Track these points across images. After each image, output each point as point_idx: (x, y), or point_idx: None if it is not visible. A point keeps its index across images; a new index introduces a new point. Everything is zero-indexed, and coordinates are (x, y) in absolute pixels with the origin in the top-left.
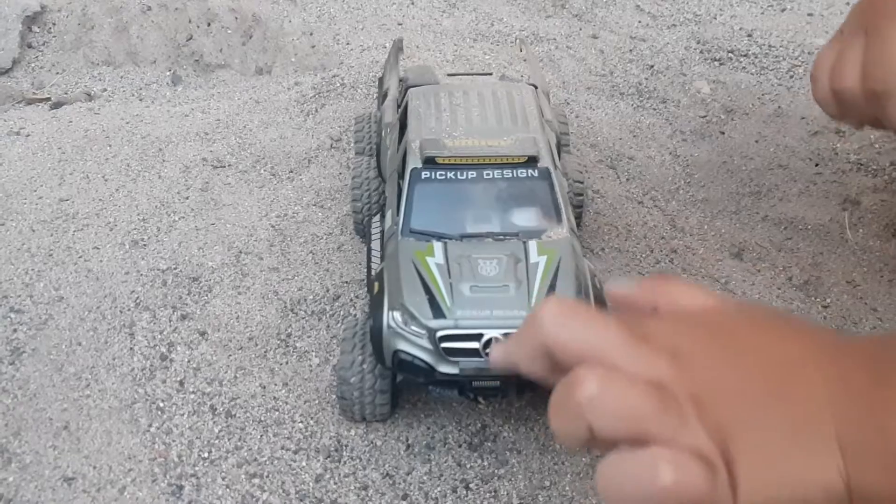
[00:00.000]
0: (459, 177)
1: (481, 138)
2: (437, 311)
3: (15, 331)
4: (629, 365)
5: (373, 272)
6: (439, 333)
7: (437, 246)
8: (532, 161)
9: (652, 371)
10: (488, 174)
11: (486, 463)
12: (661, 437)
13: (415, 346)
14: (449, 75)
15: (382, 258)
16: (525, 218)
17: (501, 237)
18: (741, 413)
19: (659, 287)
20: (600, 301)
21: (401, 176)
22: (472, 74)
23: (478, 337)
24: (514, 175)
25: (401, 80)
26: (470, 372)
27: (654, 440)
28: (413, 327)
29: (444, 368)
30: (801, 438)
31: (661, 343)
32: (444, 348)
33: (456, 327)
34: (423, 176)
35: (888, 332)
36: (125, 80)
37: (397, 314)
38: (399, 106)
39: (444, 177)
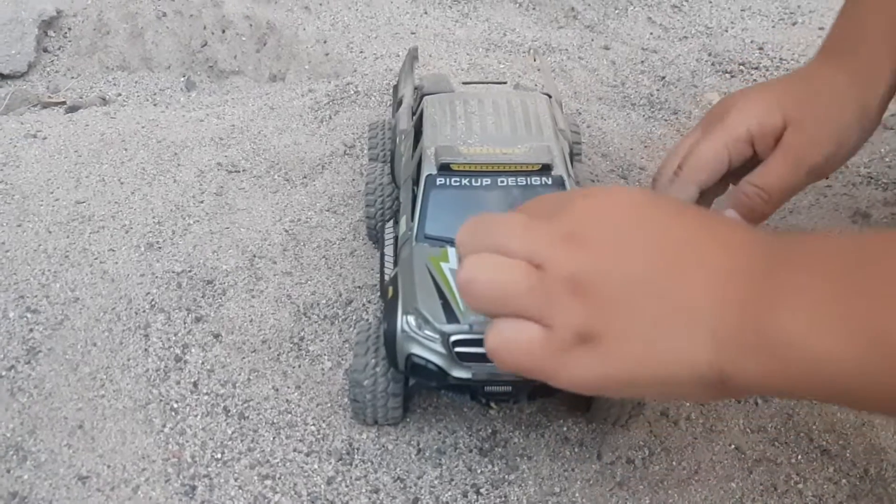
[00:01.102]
0: (474, 183)
1: (496, 146)
2: (451, 316)
3: (31, 330)
4: (515, 249)
5: (386, 277)
6: (453, 338)
7: (452, 251)
8: (546, 169)
9: (534, 253)
10: (502, 181)
11: (496, 468)
12: (528, 313)
13: (428, 351)
14: (464, 84)
15: (396, 263)
16: None
17: None
18: (620, 294)
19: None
20: None
21: (416, 182)
22: (487, 83)
23: None
24: (529, 182)
25: (416, 88)
26: (482, 376)
27: (524, 316)
28: (427, 331)
29: (457, 373)
30: (672, 323)
31: (560, 226)
32: (458, 353)
33: (470, 332)
34: (438, 182)
35: (792, 230)
36: (140, 86)
37: (411, 318)
38: (414, 113)
39: (458, 183)
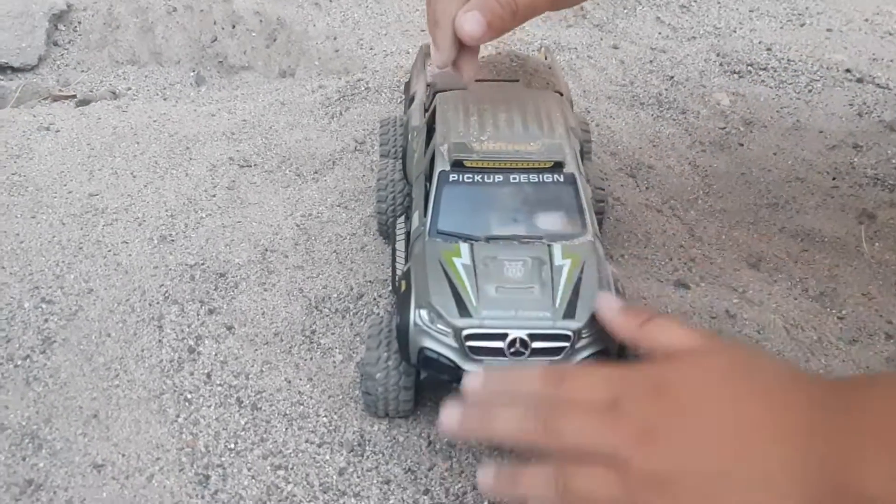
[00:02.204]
0: (486, 180)
1: (508, 143)
2: (464, 311)
3: (46, 321)
4: (595, 450)
5: (398, 272)
6: (465, 332)
7: (464, 247)
8: (558, 166)
9: (613, 455)
10: (515, 178)
11: (505, 461)
12: None
13: (440, 345)
14: (476, 81)
15: (407, 259)
16: (550, 222)
17: (527, 240)
18: (701, 489)
19: (643, 323)
20: None
21: (428, 178)
22: (499, 81)
23: (502, 336)
24: (541, 179)
25: (428, 85)
26: None
27: None
28: (439, 326)
29: (469, 366)
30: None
31: (636, 421)
32: (470, 347)
33: (481, 326)
34: (450, 178)
35: (864, 376)
36: (149, 80)
37: (424, 312)
38: (426, 110)
39: (471, 179)
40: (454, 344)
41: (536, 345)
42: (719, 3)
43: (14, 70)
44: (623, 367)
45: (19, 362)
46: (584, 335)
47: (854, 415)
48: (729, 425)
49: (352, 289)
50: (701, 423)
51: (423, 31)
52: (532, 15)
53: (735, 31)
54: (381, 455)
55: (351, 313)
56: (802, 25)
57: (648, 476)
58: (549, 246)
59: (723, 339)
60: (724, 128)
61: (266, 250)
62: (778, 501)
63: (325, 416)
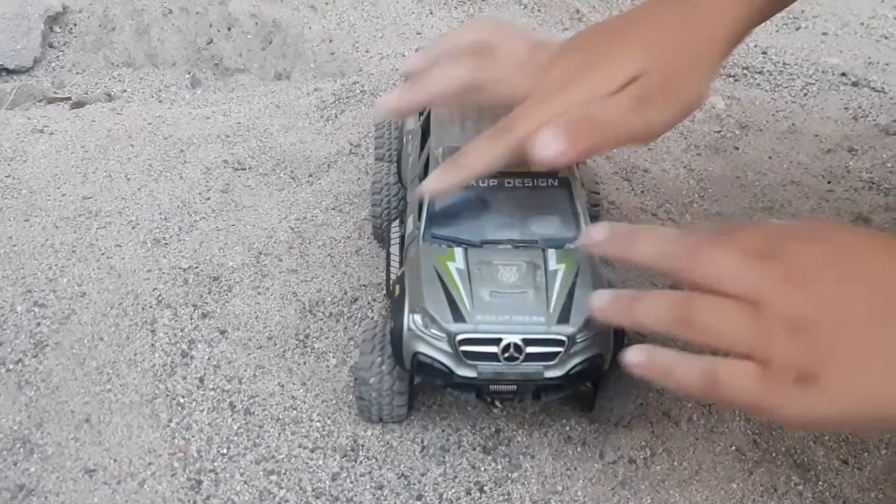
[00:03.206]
0: (481, 184)
1: None
2: (458, 315)
3: (38, 324)
4: (732, 287)
5: (392, 276)
6: (459, 337)
7: (458, 251)
8: (552, 171)
9: (752, 292)
10: (509, 183)
11: (499, 466)
12: (739, 350)
13: (434, 349)
14: None
15: (401, 263)
16: (544, 226)
17: (521, 244)
18: (840, 336)
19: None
20: None
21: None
22: None
23: (496, 341)
24: (535, 184)
25: None
26: (488, 376)
27: (734, 352)
28: (433, 330)
29: (463, 372)
30: (891, 366)
31: (780, 266)
32: (464, 352)
33: (475, 331)
34: None
35: None
36: (144, 82)
37: (418, 317)
38: (421, 114)
39: (465, 184)
40: (448, 349)
41: (530, 350)
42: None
43: (9, 72)
44: (779, 224)
45: (11, 366)
46: (578, 340)
47: None
48: (876, 284)
49: (346, 293)
50: (849, 276)
51: (419, 33)
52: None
53: None
54: (374, 460)
55: (345, 317)
56: (798, 29)
57: (787, 317)
58: (543, 251)
59: None
60: (720, 131)
61: (260, 254)
62: None
63: (319, 421)
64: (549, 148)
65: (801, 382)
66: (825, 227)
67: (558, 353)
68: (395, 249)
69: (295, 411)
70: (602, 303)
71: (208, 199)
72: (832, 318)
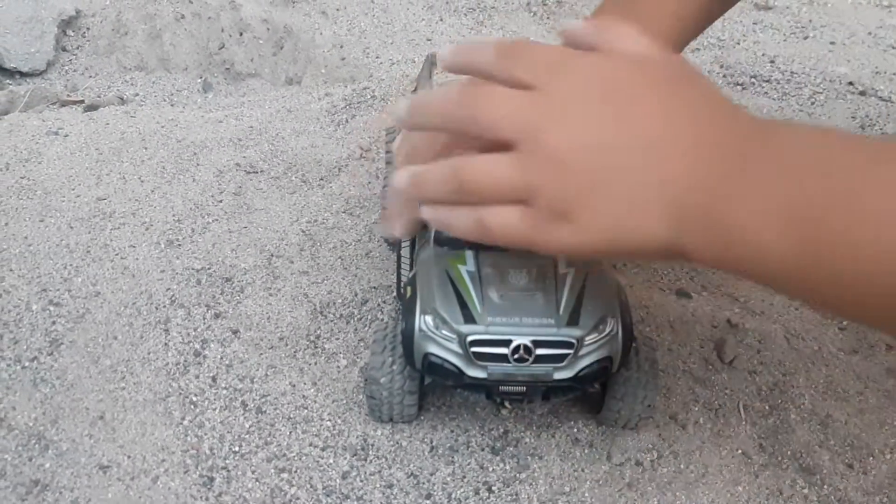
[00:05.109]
0: None
1: None
2: (469, 317)
3: (54, 323)
4: (501, 127)
5: (403, 278)
6: (469, 338)
7: (469, 254)
8: None
9: (517, 132)
10: None
11: (507, 467)
12: (514, 195)
13: (445, 350)
14: None
15: (412, 265)
16: None
17: None
18: (593, 169)
19: (602, 29)
20: (627, 315)
21: None
22: None
23: (506, 343)
24: None
25: None
26: (498, 377)
27: (507, 201)
28: (444, 331)
29: (473, 372)
30: (640, 200)
31: (545, 99)
32: (474, 353)
33: (486, 333)
34: None
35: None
36: (157, 86)
37: (429, 318)
38: None
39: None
40: (459, 350)
41: (540, 351)
42: (723, 14)
43: (23, 75)
44: (559, 49)
45: (27, 364)
46: (587, 342)
47: (753, 146)
48: (637, 115)
49: (356, 294)
50: (609, 108)
51: (429, 40)
52: None
53: (739, 43)
54: (384, 459)
55: (355, 319)
56: (806, 38)
57: (546, 159)
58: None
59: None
60: None
61: (272, 256)
62: (658, 203)
63: (329, 421)
64: None
65: (557, 219)
66: (599, 62)
67: (567, 354)
68: (405, 252)
69: (306, 410)
70: (401, 180)
71: (221, 201)
72: (587, 150)
